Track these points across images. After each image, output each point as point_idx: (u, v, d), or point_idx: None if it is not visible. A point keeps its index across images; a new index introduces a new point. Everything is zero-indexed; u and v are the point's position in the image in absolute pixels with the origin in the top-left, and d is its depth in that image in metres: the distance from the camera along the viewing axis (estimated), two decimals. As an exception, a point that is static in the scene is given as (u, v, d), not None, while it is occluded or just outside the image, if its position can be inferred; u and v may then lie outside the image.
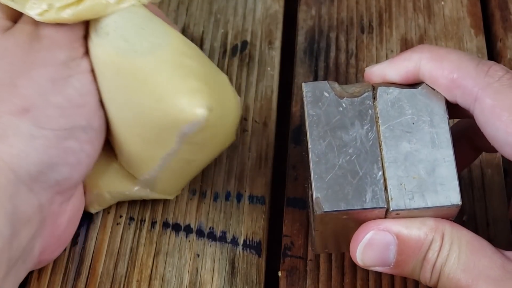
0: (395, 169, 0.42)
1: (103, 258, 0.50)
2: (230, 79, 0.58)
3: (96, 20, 0.45)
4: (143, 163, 0.47)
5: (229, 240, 0.51)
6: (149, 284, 0.49)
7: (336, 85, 0.44)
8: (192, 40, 0.61)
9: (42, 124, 0.44)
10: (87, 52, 0.46)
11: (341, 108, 0.44)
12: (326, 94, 0.44)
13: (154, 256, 0.50)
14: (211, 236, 0.51)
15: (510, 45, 0.62)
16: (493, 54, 0.63)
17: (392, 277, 0.50)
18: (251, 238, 0.51)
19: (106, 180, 0.50)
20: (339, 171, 0.42)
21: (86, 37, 0.46)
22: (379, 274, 0.50)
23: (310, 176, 0.42)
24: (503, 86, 0.42)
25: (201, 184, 0.54)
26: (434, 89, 0.44)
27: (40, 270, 0.49)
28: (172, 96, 0.43)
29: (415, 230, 0.42)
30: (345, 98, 0.44)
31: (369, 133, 0.43)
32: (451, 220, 0.43)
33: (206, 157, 0.48)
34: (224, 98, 0.46)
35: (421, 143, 0.43)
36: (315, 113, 0.43)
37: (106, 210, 0.52)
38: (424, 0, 0.64)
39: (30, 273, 0.49)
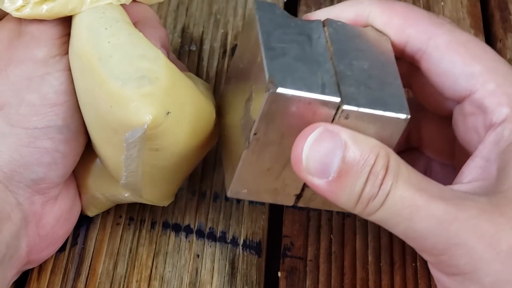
0: (346, 77, 0.41)
1: (102, 258, 0.50)
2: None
3: (73, 16, 0.45)
4: (115, 168, 0.46)
5: (229, 241, 0.51)
6: (149, 285, 0.49)
7: (286, 12, 0.44)
8: (191, 40, 0.61)
9: (14, 122, 0.44)
10: None
11: (292, 24, 0.43)
12: (277, 11, 0.43)
13: (153, 257, 0.50)
14: (211, 236, 0.51)
15: (510, 45, 0.62)
16: (493, 54, 0.63)
17: (392, 277, 0.50)
18: (251, 239, 0.51)
19: (98, 182, 0.49)
20: (292, 65, 0.41)
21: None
22: (379, 274, 0.50)
23: (255, 74, 0.41)
24: (455, 27, 0.44)
25: (200, 185, 0.54)
26: (380, 32, 0.44)
27: (40, 270, 0.49)
28: (122, 102, 0.42)
29: (361, 141, 0.40)
30: (296, 19, 0.43)
31: (321, 47, 0.42)
32: None
33: (180, 162, 0.46)
34: (186, 103, 0.44)
35: (370, 64, 0.43)
36: (267, 21, 0.42)
37: (106, 210, 0.52)
38: (424, 1, 0.64)
39: (30, 273, 0.49)
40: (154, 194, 0.48)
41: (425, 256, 0.42)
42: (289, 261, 0.50)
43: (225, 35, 0.61)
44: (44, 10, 0.44)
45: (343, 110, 0.40)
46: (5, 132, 0.44)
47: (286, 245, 0.51)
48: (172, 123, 0.43)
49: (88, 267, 0.50)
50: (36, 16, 0.44)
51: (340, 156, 0.40)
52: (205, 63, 0.60)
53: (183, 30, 0.61)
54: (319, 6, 0.63)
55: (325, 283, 0.49)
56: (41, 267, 0.49)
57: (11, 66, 0.44)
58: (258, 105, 0.40)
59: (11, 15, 0.44)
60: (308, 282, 0.49)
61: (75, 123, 0.45)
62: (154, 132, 0.42)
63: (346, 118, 0.40)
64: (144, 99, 0.42)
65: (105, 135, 0.44)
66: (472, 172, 0.43)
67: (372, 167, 0.40)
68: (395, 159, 0.40)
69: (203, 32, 0.61)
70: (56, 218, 0.47)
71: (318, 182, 0.40)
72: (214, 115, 0.47)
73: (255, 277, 0.50)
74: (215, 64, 0.59)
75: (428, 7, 0.64)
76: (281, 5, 0.63)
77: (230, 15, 0.63)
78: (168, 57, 0.47)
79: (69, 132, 0.45)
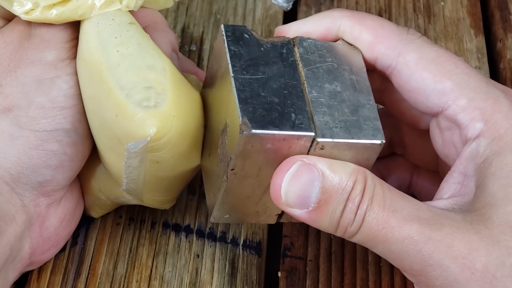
0: (319, 105, 0.42)
1: (102, 258, 0.50)
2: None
3: (82, 22, 0.45)
4: (117, 174, 0.46)
5: (229, 241, 0.51)
6: (149, 285, 0.49)
7: (254, 32, 0.44)
8: (191, 40, 0.61)
9: (23, 124, 0.44)
10: None
11: (262, 49, 0.43)
12: (246, 35, 0.43)
13: (154, 257, 0.50)
14: (211, 236, 0.51)
15: (510, 45, 0.62)
16: (493, 54, 0.63)
17: (392, 277, 0.50)
18: (251, 239, 0.51)
19: (101, 184, 0.49)
20: (264, 99, 0.41)
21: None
22: (378, 274, 0.50)
23: (228, 113, 0.41)
24: (425, 42, 0.44)
25: (200, 185, 0.54)
26: (351, 45, 0.45)
27: (40, 270, 0.49)
28: (127, 112, 0.42)
29: (338, 169, 0.40)
30: (265, 41, 0.43)
31: (292, 72, 0.42)
32: None
33: (182, 174, 0.46)
34: (190, 116, 0.44)
35: (343, 86, 0.43)
36: (236, 49, 0.42)
37: (106, 211, 0.52)
38: (424, 0, 0.64)
39: (30, 273, 0.49)
40: (155, 200, 0.48)
41: (407, 276, 0.42)
42: (289, 261, 0.50)
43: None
44: (53, 14, 0.44)
45: (318, 142, 0.41)
46: (14, 134, 0.44)
47: (286, 245, 0.51)
48: (175, 136, 0.43)
49: (88, 267, 0.50)
50: (45, 20, 0.44)
51: (318, 187, 0.40)
52: (205, 63, 0.60)
53: (183, 30, 0.61)
54: (319, 6, 0.63)
55: (325, 283, 0.49)
56: (41, 267, 0.49)
57: (21, 68, 0.44)
58: (233, 143, 0.40)
59: (19, 17, 0.45)
60: (308, 282, 0.49)
61: (82, 127, 0.45)
62: (156, 145, 0.43)
63: (322, 148, 0.41)
64: (149, 112, 0.42)
65: (109, 142, 0.44)
66: (451, 188, 0.43)
67: (350, 193, 0.40)
68: (371, 180, 0.41)
69: (203, 32, 0.61)
70: (59, 220, 0.47)
71: (298, 213, 0.41)
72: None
73: (255, 277, 0.50)
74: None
75: (428, 7, 0.64)
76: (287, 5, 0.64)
77: (230, 15, 0.63)
78: (178, 59, 0.47)
79: (76, 135, 0.45)
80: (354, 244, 0.51)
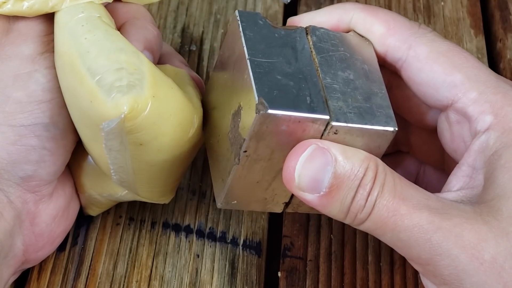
0: (333, 91, 0.42)
1: (102, 259, 0.50)
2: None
3: (55, 14, 0.45)
4: (104, 165, 0.46)
5: (229, 241, 0.51)
6: (149, 285, 0.49)
7: (268, 19, 0.44)
8: (191, 40, 0.61)
9: (0, 120, 0.43)
10: None
11: (276, 35, 0.43)
12: (260, 21, 0.43)
13: (153, 257, 0.50)
14: (211, 236, 0.51)
15: (510, 45, 0.62)
16: (493, 54, 0.63)
17: (392, 277, 0.50)
18: (251, 239, 0.51)
19: (92, 182, 0.49)
20: (279, 82, 0.41)
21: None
22: (378, 274, 0.50)
23: (242, 97, 0.41)
24: (436, 36, 0.44)
25: (200, 184, 0.54)
26: (363, 37, 0.45)
27: (40, 270, 0.49)
28: (101, 95, 0.42)
29: (351, 156, 0.41)
30: (279, 28, 0.44)
31: (306, 58, 0.43)
32: None
33: (170, 159, 0.46)
34: (168, 97, 0.44)
35: (355, 74, 0.43)
36: (251, 34, 0.42)
37: (106, 211, 0.52)
38: (424, 0, 0.64)
39: (30, 273, 0.49)
40: (151, 191, 0.48)
41: (414, 265, 0.42)
42: (289, 261, 0.50)
43: (225, 35, 0.61)
44: (24, 7, 0.44)
45: (332, 126, 0.41)
46: None
47: (286, 245, 0.51)
48: (153, 116, 0.43)
49: (88, 267, 0.50)
50: (16, 12, 0.44)
51: (331, 172, 0.40)
52: (205, 63, 0.60)
53: (183, 30, 0.61)
54: (319, 6, 0.63)
55: (325, 283, 0.49)
56: (41, 267, 0.49)
57: None
58: (247, 124, 0.40)
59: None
60: (308, 282, 0.49)
61: (62, 121, 0.45)
62: (133, 124, 0.42)
63: (335, 133, 0.41)
64: (121, 90, 0.42)
65: (90, 132, 0.44)
66: (459, 181, 0.43)
67: (361, 180, 0.40)
68: (382, 169, 0.41)
69: (203, 32, 0.61)
70: (51, 216, 0.47)
71: (309, 197, 0.41)
72: (200, 114, 0.46)
73: (255, 277, 0.50)
74: (215, 64, 0.59)
75: (428, 7, 0.64)
76: (282, 4, 0.64)
77: (230, 14, 0.63)
78: (155, 59, 0.47)
79: (56, 129, 0.45)
80: (354, 244, 0.51)
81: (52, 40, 0.45)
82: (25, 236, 0.46)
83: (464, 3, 0.64)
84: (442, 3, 0.64)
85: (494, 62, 0.62)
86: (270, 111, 0.40)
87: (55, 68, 0.44)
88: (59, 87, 0.44)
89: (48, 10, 0.44)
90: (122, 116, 0.41)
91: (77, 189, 0.50)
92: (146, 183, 0.47)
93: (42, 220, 0.47)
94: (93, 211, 0.51)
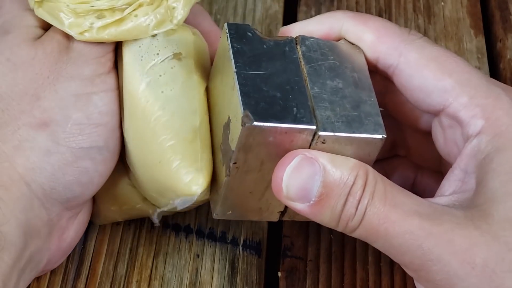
0: (321, 100, 0.42)
1: (103, 259, 0.50)
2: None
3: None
4: (154, 200, 0.48)
5: (229, 241, 0.51)
6: (149, 285, 0.49)
7: (257, 31, 0.44)
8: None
9: (60, 140, 0.43)
10: (114, 67, 0.45)
11: (265, 46, 0.43)
12: (249, 33, 0.43)
13: (154, 257, 0.50)
14: (211, 236, 0.51)
15: (510, 45, 0.62)
16: (493, 54, 0.63)
17: (392, 277, 0.50)
18: (251, 239, 0.51)
19: (114, 196, 0.49)
20: (266, 94, 0.41)
21: (115, 50, 0.45)
22: (378, 274, 0.50)
23: (231, 110, 0.41)
24: (426, 42, 0.44)
25: (201, 185, 0.54)
26: (353, 44, 0.45)
27: (40, 271, 0.49)
28: (172, 168, 0.44)
29: (340, 164, 0.41)
30: (268, 39, 0.44)
31: (294, 69, 0.43)
32: None
33: None
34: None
35: (344, 83, 0.43)
36: (239, 46, 0.43)
37: (106, 211, 0.52)
38: (424, 0, 0.64)
39: (30, 274, 0.49)
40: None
41: (407, 271, 0.42)
42: (289, 261, 0.50)
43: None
44: (109, 35, 0.44)
45: (319, 136, 0.41)
46: (51, 150, 0.43)
47: (286, 245, 0.51)
48: (205, 194, 0.45)
49: (88, 267, 0.49)
50: (100, 40, 0.44)
51: (319, 181, 0.40)
52: (205, 63, 0.60)
53: (183, 30, 0.61)
54: (319, 6, 0.63)
55: (325, 283, 0.49)
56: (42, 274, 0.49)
57: (60, 82, 0.43)
58: (236, 136, 0.41)
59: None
60: (308, 282, 0.49)
61: (113, 143, 0.45)
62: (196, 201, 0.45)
63: (323, 142, 0.41)
64: (196, 173, 0.44)
65: (147, 173, 0.46)
66: (452, 185, 0.43)
67: (351, 188, 0.40)
68: (372, 176, 0.41)
69: (203, 32, 0.61)
70: (76, 231, 0.47)
71: (300, 207, 0.41)
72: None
73: (255, 277, 0.50)
74: (215, 64, 0.59)
75: (428, 7, 0.64)
76: (282, 4, 0.64)
77: (230, 15, 0.63)
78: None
79: (108, 153, 0.45)
80: (354, 244, 0.51)
81: (109, 60, 0.45)
82: (51, 251, 0.46)
83: (464, 3, 0.64)
84: (442, 3, 0.64)
85: (494, 62, 0.62)
86: (255, 123, 0.40)
87: (110, 92, 0.44)
88: (113, 110, 0.45)
89: (131, 38, 0.44)
90: (195, 198, 0.44)
91: (98, 200, 0.49)
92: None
93: (68, 235, 0.47)
94: (99, 221, 0.51)
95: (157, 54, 0.44)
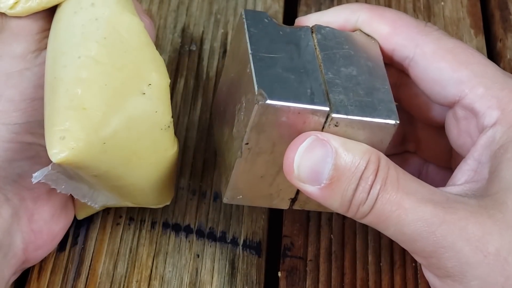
0: (335, 85, 0.42)
1: (103, 259, 0.50)
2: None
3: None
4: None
5: (229, 241, 0.51)
6: (149, 285, 0.49)
7: (274, 19, 0.44)
8: (191, 40, 0.61)
9: None
10: None
11: (281, 32, 0.44)
12: (265, 20, 0.44)
13: (154, 257, 0.50)
14: (211, 236, 0.51)
15: (510, 45, 0.62)
16: (493, 54, 0.63)
17: (392, 277, 0.50)
18: (251, 239, 0.51)
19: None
20: (281, 75, 0.41)
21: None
22: (378, 274, 0.50)
23: (244, 88, 0.41)
24: (442, 34, 0.45)
25: (200, 184, 0.54)
26: (369, 36, 0.45)
27: (40, 270, 0.49)
28: (49, 130, 0.41)
29: (352, 148, 0.41)
30: (284, 27, 0.44)
31: (309, 54, 0.43)
32: None
33: (135, 180, 0.45)
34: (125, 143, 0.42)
35: (358, 71, 0.43)
36: (255, 31, 0.43)
37: (106, 211, 0.52)
38: (424, 0, 0.64)
39: (30, 273, 0.49)
40: (147, 201, 0.48)
41: (417, 258, 0.42)
42: (289, 261, 0.50)
43: (225, 35, 0.61)
44: (35, 2, 0.44)
45: (332, 118, 0.41)
46: None
47: (286, 245, 0.51)
48: (96, 155, 0.41)
49: (88, 267, 0.50)
50: (29, 10, 0.44)
51: (331, 164, 0.40)
52: (205, 63, 0.60)
53: (183, 30, 0.61)
54: (319, 6, 0.63)
55: (325, 283, 0.49)
56: (41, 267, 0.49)
57: None
58: (248, 115, 0.41)
59: None
60: (308, 282, 0.49)
61: None
62: (70, 167, 0.41)
63: (336, 125, 0.41)
64: (63, 136, 0.40)
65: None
66: (464, 175, 0.43)
67: (362, 172, 0.40)
68: (385, 162, 0.41)
69: (203, 32, 0.61)
70: (50, 213, 0.47)
71: (310, 189, 0.41)
72: (171, 128, 0.45)
73: (255, 277, 0.50)
74: (215, 64, 0.60)
75: (428, 7, 0.64)
76: (282, 4, 0.64)
77: (230, 14, 0.63)
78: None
79: None
80: (354, 244, 0.51)
81: (44, 38, 0.45)
82: (24, 233, 0.46)
83: (464, 3, 0.64)
84: (442, 3, 0.64)
85: (494, 62, 0.62)
86: (269, 101, 0.40)
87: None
88: None
89: (55, 2, 0.44)
90: (50, 168, 0.41)
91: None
92: (136, 197, 0.47)
93: (40, 217, 0.46)
94: (79, 216, 0.50)
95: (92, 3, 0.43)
